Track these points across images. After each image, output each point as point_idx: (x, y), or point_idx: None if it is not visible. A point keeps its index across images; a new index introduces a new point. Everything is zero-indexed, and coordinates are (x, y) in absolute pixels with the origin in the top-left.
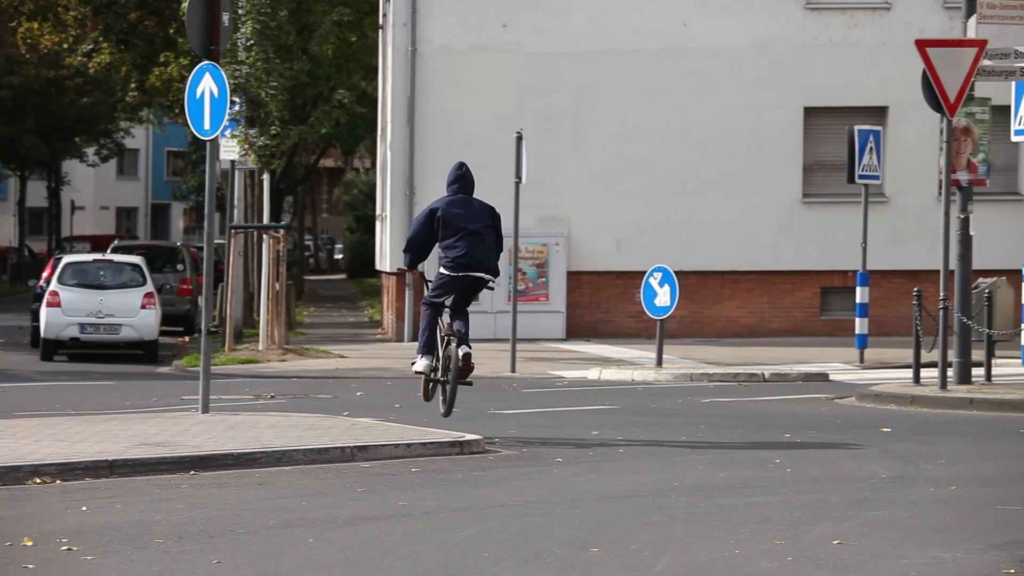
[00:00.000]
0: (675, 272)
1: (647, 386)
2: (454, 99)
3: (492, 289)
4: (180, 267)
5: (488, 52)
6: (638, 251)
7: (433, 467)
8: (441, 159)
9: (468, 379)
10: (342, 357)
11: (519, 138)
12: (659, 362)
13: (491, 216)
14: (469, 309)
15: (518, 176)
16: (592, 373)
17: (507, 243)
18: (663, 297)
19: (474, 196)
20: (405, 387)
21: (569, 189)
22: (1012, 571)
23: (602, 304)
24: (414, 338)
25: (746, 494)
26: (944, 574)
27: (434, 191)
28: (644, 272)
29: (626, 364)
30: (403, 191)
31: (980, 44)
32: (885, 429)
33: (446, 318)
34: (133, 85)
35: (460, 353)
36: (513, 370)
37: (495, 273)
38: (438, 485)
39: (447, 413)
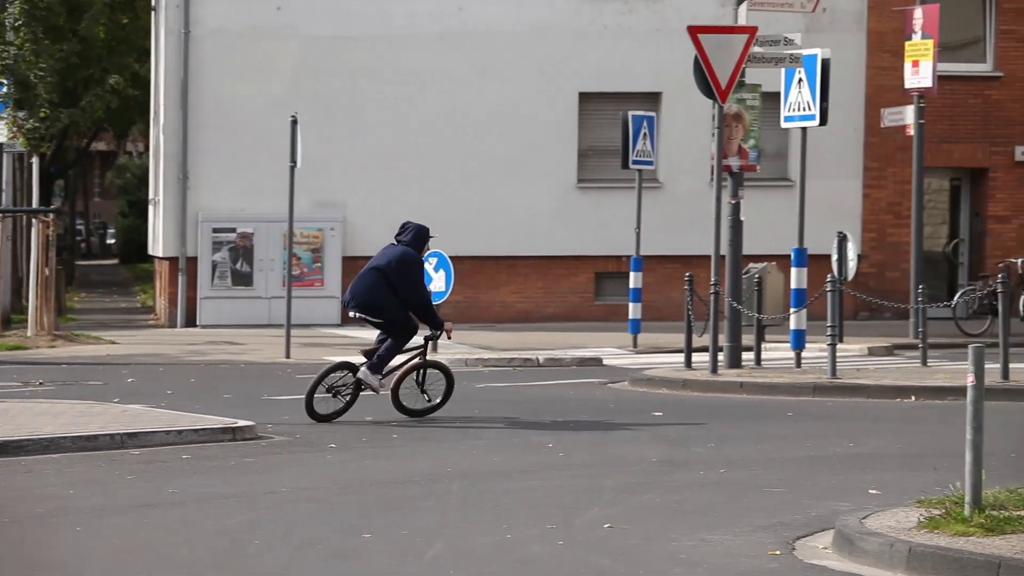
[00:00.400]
0: (451, 257)
1: None
2: (229, 83)
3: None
4: None
5: (263, 35)
6: None
7: (205, 454)
8: (216, 143)
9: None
10: (113, 343)
11: (294, 122)
12: (434, 347)
13: (392, 261)
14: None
15: (293, 160)
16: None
17: (281, 228)
18: (438, 282)
19: (401, 243)
20: (177, 373)
21: (345, 174)
22: (777, 552)
23: None
24: (188, 323)
25: (519, 479)
26: (712, 556)
27: (208, 176)
28: None
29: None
30: (176, 175)
31: (750, 31)
32: (657, 413)
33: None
34: None
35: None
36: (288, 356)
37: (371, 312)
38: (210, 472)
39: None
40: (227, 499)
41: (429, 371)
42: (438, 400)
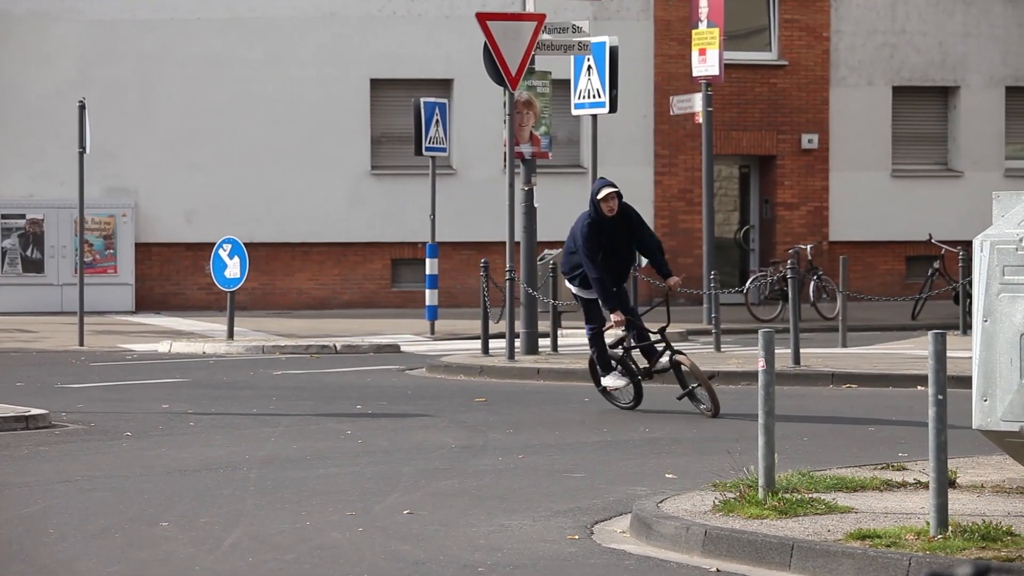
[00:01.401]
0: (245, 244)
1: (218, 359)
2: (15, 67)
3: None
4: None
5: (47, 18)
6: (208, 223)
7: None
8: (3, 129)
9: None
10: None
11: (81, 107)
12: (230, 334)
13: None
14: None
15: (82, 146)
16: (163, 346)
17: (72, 214)
18: (233, 269)
19: None
20: None
21: (136, 160)
22: (576, 536)
23: (172, 276)
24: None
25: (318, 465)
26: (511, 541)
27: None
28: (214, 244)
29: (197, 337)
30: None
31: (539, 18)
32: (455, 400)
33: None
34: None
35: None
36: (81, 343)
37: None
38: (2, 461)
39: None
40: (20, 488)
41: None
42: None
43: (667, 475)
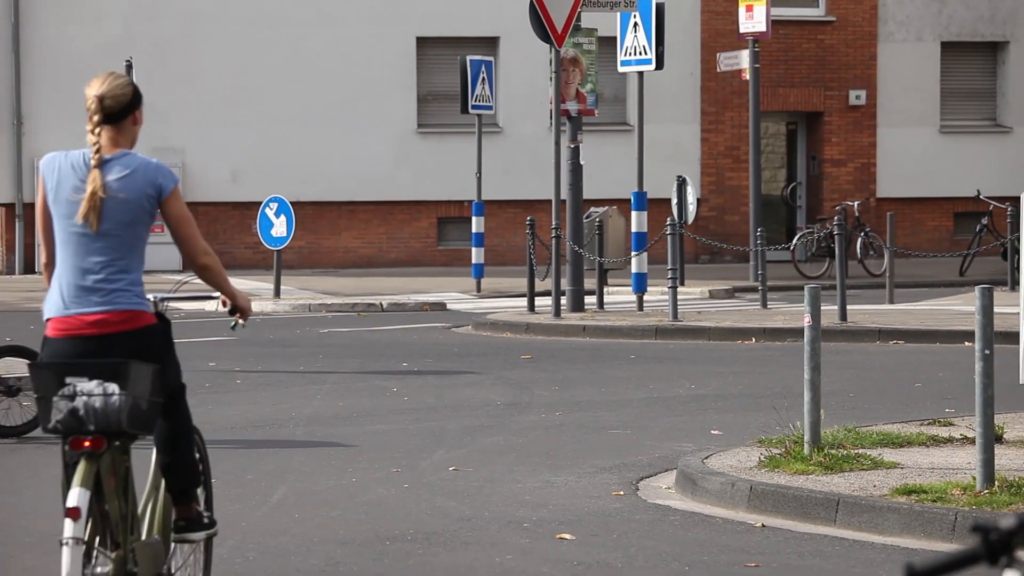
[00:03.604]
0: (291, 203)
1: (265, 317)
2: (62, 26)
3: None
4: None
5: None
6: (255, 182)
7: None
8: (50, 88)
9: None
10: None
11: (128, 67)
12: (277, 293)
13: None
14: None
15: None
16: (209, 305)
17: None
18: (280, 227)
19: None
20: (16, 321)
21: (183, 119)
22: (621, 492)
23: (219, 235)
24: (26, 270)
25: (364, 423)
26: (556, 497)
27: (44, 121)
28: (260, 203)
29: None
30: (10, 121)
31: None
32: (500, 357)
33: None
34: None
35: None
36: None
37: None
38: None
39: None
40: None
41: None
42: None
43: (712, 431)
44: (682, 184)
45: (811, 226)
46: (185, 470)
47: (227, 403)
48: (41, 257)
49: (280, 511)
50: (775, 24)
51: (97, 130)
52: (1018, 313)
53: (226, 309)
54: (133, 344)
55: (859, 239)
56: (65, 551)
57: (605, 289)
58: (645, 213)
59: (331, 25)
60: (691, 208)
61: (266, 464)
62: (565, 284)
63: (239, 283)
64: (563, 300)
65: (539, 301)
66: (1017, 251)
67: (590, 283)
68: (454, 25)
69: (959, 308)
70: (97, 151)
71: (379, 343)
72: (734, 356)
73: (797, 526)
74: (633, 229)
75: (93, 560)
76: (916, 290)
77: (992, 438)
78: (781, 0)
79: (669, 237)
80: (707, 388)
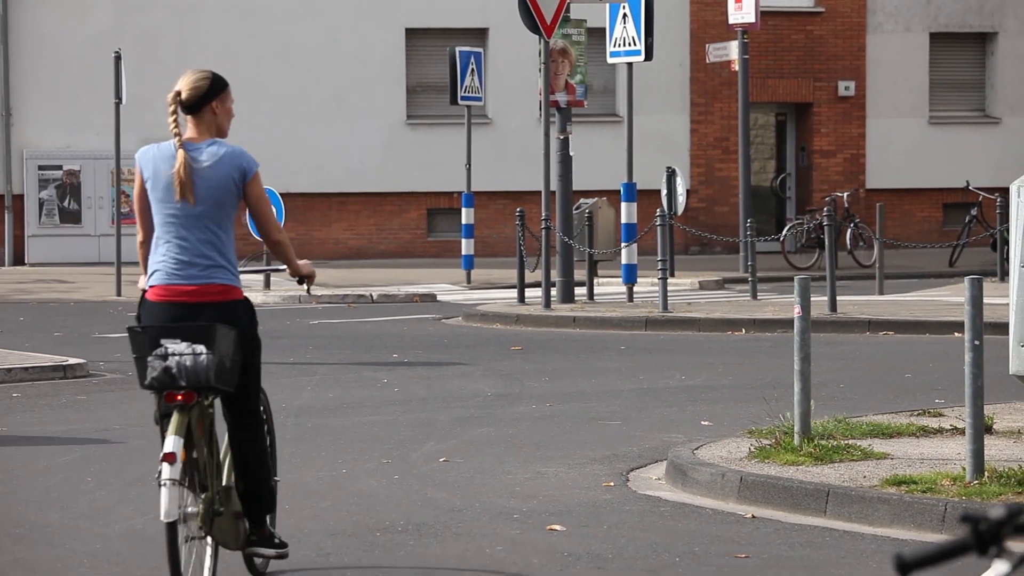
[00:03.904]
0: (281, 194)
1: (255, 308)
2: (51, 17)
3: None
4: None
5: None
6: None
7: (36, 392)
8: (39, 79)
9: None
10: None
11: (117, 58)
12: (267, 284)
13: None
14: None
15: (118, 97)
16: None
17: (108, 164)
18: None
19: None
20: (5, 312)
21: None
22: (611, 483)
23: None
24: (16, 262)
25: (354, 414)
26: (546, 488)
27: (33, 112)
28: None
29: None
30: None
31: None
32: (490, 348)
33: None
34: None
35: None
36: (119, 294)
37: None
38: (40, 409)
39: None
40: (59, 436)
41: None
42: None
43: (703, 422)
44: (672, 175)
45: (800, 217)
46: (261, 499)
47: None
48: (138, 236)
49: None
50: (764, 15)
51: (175, 119)
52: (1007, 304)
53: (294, 280)
54: (222, 314)
55: (848, 230)
56: (164, 491)
57: (595, 280)
58: (635, 204)
59: (320, 17)
60: (681, 199)
61: None
62: (555, 275)
63: None
64: (553, 291)
65: (529, 292)
66: (1006, 242)
67: (580, 274)
68: (443, 16)
69: (949, 299)
70: (177, 136)
71: (369, 334)
72: (724, 347)
73: (787, 517)
74: (623, 220)
75: (185, 500)
76: (906, 281)
77: (982, 428)
78: None
79: (659, 228)
80: (697, 379)
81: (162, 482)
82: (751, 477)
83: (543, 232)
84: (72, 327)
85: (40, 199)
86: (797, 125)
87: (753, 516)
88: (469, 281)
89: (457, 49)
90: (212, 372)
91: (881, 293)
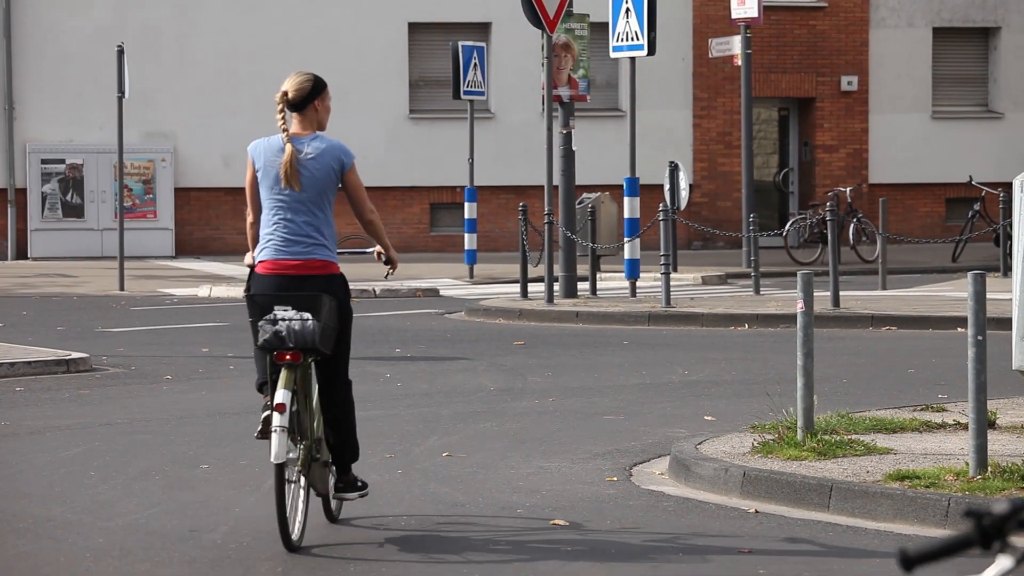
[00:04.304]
0: None
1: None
2: (53, 10)
3: None
4: None
5: None
6: (247, 167)
7: (39, 386)
8: (42, 72)
9: None
10: None
11: (120, 52)
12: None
13: None
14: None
15: (120, 91)
16: (202, 290)
17: (112, 158)
18: None
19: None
20: (8, 306)
21: (175, 104)
22: (615, 478)
23: (212, 221)
24: (19, 256)
25: (357, 409)
26: (549, 482)
27: (35, 106)
28: None
29: (237, 281)
30: (2, 106)
31: None
32: (493, 343)
33: None
34: None
35: None
36: (122, 288)
37: None
38: (44, 404)
39: None
40: (62, 431)
41: None
42: None
43: (706, 417)
44: (674, 170)
45: (803, 212)
46: (346, 449)
47: (220, 389)
48: (249, 217)
49: (274, 497)
50: (767, 10)
51: (283, 116)
52: (1011, 299)
53: (381, 260)
54: (322, 285)
55: (851, 225)
56: (274, 436)
57: (598, 275)
58: (637, 199)
59: (323, 10)
60: (683, 194)
61: (259, 450)
62: (558, 270)
63: (231, 268)
64: (556, 286)
65: (532, 287)
66: (1009, 237)
67: (583, 269)
68: (446, 11)
69: (952, 294)
70: (285, 131)
71: (372, 329)
72: (727, 342)
73: (790, 512)
74: (625, 215)
75: (289, 446)
76: (909, 276)
77: (985, 424)
78: None
79: (662, 223)
80: (700, 374)
81: (273, 429)
82: (754, 472)
83: (546, 227)
84: (75, 321)
85: (43, 193)
86: (800, 120)
87: (756, 511)
88: (472, 276)
89: (460, 43)
90: (317, 336)
91: (884, 288)
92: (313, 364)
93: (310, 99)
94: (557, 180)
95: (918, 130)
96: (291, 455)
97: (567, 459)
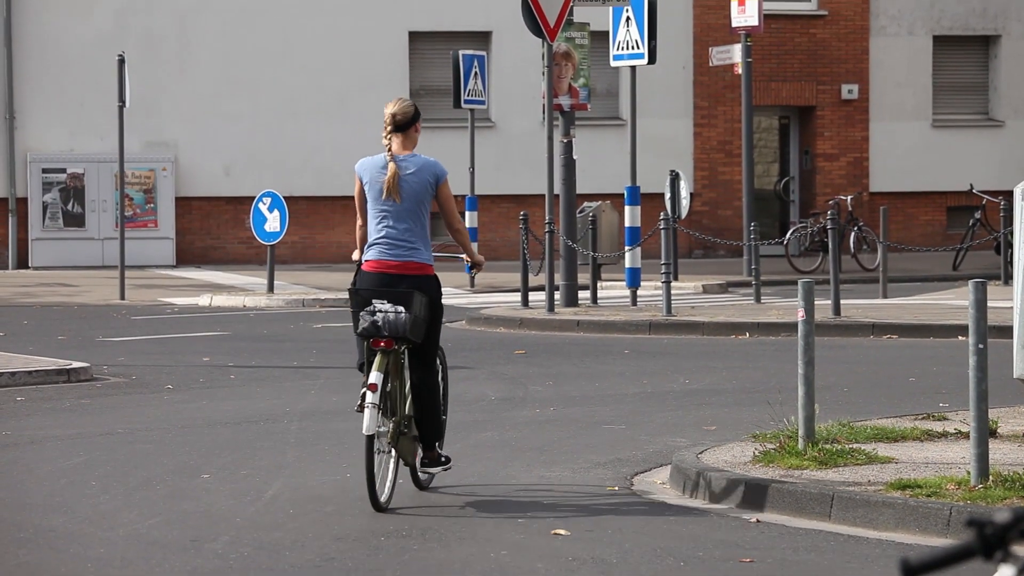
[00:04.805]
0: (285, 197)
1: (259, 312)
2: (54, 19)
3: None
4: None
5: None
6: (248, 176)
7: (39, 395)
8: (43, 81)
9: None
10: None
11: (121, 61)
12: (271, 288)
13: None
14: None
15: (121, 100)
16: (203, 300)
17: (112, 168)
18: (273, 222)
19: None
20: (9, 315)
21: (175, 113)
22: (616, 487)
23: (212, 230)
24: (20, 265)
25: (358, 418)
26: (551, 491)
27: (36, 115)
28: (254, 197)
29: (237, 290)
30: (3, 116)
31: None
32: (494, 352)
33: None
34: None
35: None
36: (122, 297)
37: None
38: (44, 414)
39: None
40: (63, 440)
41: None
42: None
43: (706, 426)
44: (675, 179)
45: (804, 220)
46: (430, 426)
47: (221, 398)
48: (358, 222)
49: (274, 506)
50: (767, 18)
51: (389, 137)
52: (1011, 307)
53: (468, 264)
54: (416, 284)
55: (852, 233)
56: (367, 412)
57: (599, 284)
58: (638, 208)
59: (323, 19)
60: (684, 203)
61: (260, 460)
62: (559, 279)
63: (232, 277)
64: (557, 295)
65: (533, 296)
66: (1010, 245)
67: (583, 278)
68: (446, 19)
69: (953, 302)
70: (390, 150)
71: None
72: (728, 351)
73: (792, 521)
74: (626, 224)
75: (379, 421)
76: (909, 284)
77: (986, 432)
78: None
79: (662, 232)
80: (701, 383)
81: (365, 405)
82: (755, 481)
83: (547, 236)
84: (76, 331)
85: (44, 202)
86: (801, 128)
87: (758, 520)
88: (472, 285)
89: (460, 52)
90: (408, 326)
91: (885, 296)
92: (406, 351)
93: (412, 122)
94: (558, 189)
95: (919, 138)
96: (381, 429)
97: (568, 468)
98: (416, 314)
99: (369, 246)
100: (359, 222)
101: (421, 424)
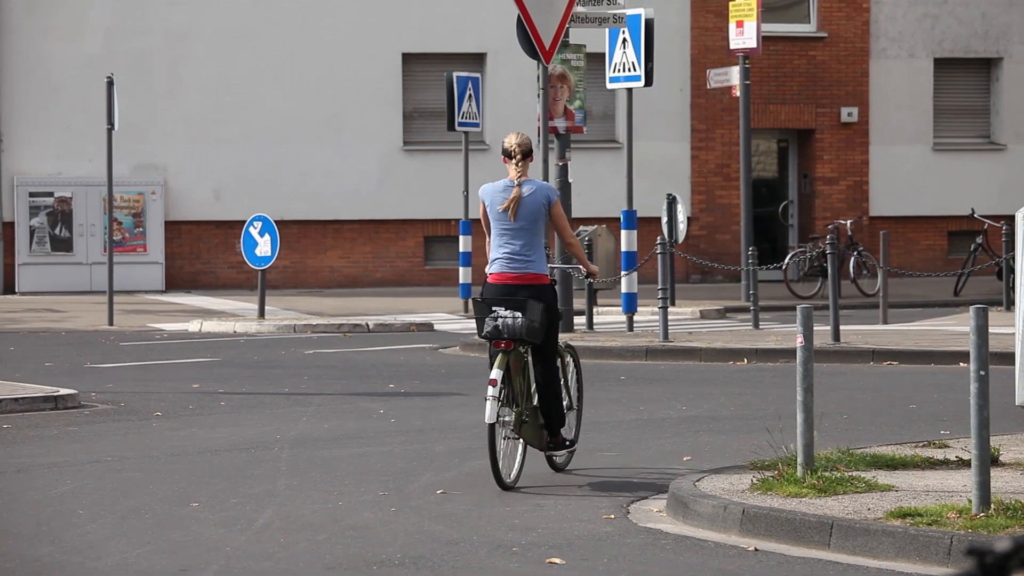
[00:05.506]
0: (276, 221)
1: (249, 338)
2: (42, 41)
3: None
4: None
5: None
6: (238, 200)
7: (26, 423)
8: (30, 104)
9: None
10: None
11: (110, 83)
12: (261, 313)
13: None
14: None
15: (110, 123)
16: (193, 325)
17: (101, 191)
18: (264, 247)
19: None
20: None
21: (165, 136)
22: (612, 516)
23: (202, 255)
24: (6, 291)
25: (350, 445)
26: (546, 520)
27: (23, 138)
28: (244, 221)
29: (228, 316)
30: None
31: None
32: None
33: None
34: None
35: None
36: (111, 323)
37: None
38: (31, 441)
39: None
40: (50, 468)
41: None
42: None
43: (704, 454)
44: (672, 202)
45: (803, 245)
46: (552, 414)
47: (211, 425)
48: (487, 239)
49: (265, 535)
50: (766, 40)
51: (518, 165)
52: (1014, 334)
53: (583, 273)
54: (534, 293)
55: (852, 258)
56: (488, 403)
57: (595, 309)
58: (635, 232)
59: (315, 41)
60: (681, 227)
61: (251, 488)
62: None
63: (222, 303)
64: None
65: None
66: (1012, 270)
67: (579, 303)
68: (440, 41)
69: (954, 328)
70: (518, 177)
71: (365, 364)
72: (726, 377)
73: (790, 550)
74: (623, 248)
75: (501, 412)
76: (910, 310)
77: (988, 460)
78: (772, 16)
79: (659, 256)
80: (698, 409)
81: (487, 397)
82: (753, 509)
83: None
84: (63, 357)
85: (31, 227)
86: (799, 151)
87: (756, 549)
88: (467, 310)
89: (454, 74)
90: (524, 330)
91: (885, 322)
92: (529, 351)
93: (530, 152)
94: None
95: (919, 162)
96: (504, 418)
97: (563, 496)
98: (532, 319)
99: (492, 260)
100: (488, 239)
101: (543, 413)
